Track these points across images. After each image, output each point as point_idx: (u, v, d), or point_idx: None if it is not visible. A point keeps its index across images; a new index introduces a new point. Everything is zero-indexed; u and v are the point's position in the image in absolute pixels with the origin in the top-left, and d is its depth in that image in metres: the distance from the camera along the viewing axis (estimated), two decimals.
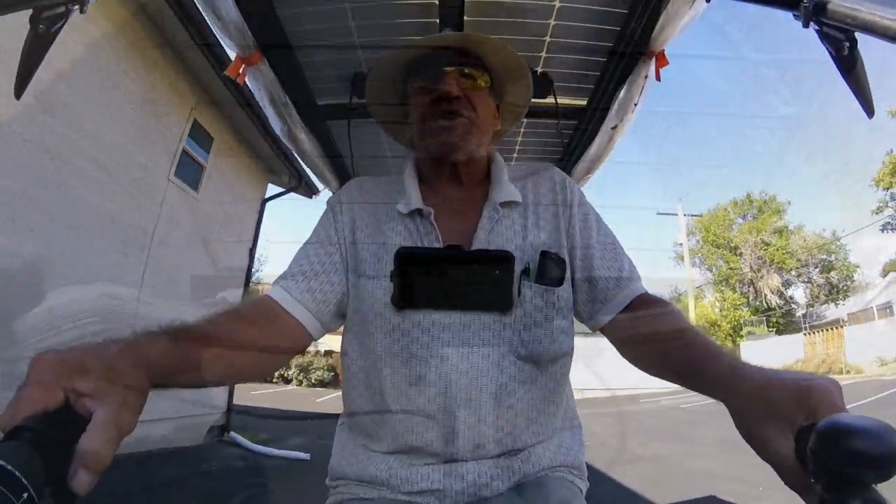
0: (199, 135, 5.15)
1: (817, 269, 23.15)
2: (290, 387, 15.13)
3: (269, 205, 6.83)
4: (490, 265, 0.73)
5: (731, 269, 24.30)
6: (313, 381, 16.29)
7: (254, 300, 0.79)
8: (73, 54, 3.53)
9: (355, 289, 0.79)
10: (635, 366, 0.74)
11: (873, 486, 0.38)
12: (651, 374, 0.72)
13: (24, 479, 0.35)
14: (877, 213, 16.18)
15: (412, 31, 1.13)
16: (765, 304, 23.29)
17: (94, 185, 3.89)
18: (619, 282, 0.77)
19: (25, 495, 0.35)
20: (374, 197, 0.86)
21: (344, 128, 1.39)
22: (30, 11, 0.61)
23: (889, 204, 15.26)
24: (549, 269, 0.76)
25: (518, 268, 0.74)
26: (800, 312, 23.25)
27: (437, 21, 1.09)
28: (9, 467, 0.35)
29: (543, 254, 0.76)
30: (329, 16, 1.09)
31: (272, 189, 6.93)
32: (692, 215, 24.73)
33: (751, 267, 23.69)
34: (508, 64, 0.86)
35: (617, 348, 0.76)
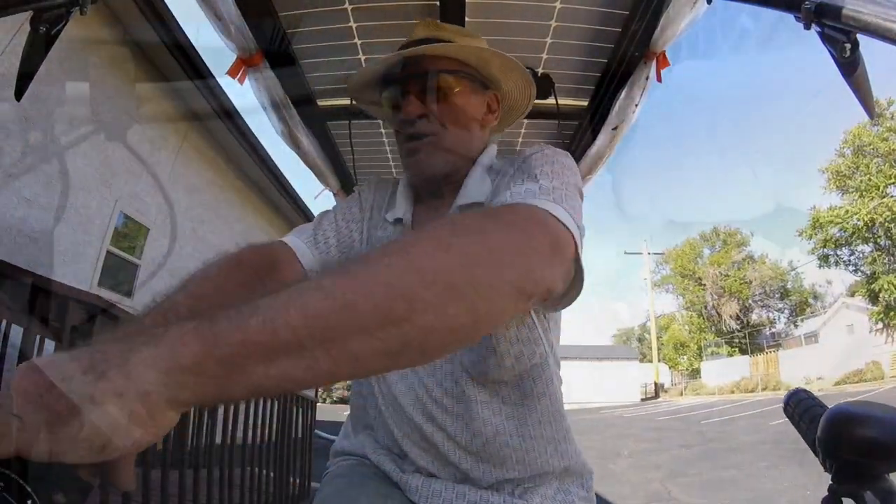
0: None
1: (777, 296, 27.54)
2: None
3: None
4: None
5: (696, 297, 28.44)
6: (335, 398, 21.52)
7: (265, 246, 0.73)
8: None
9: None
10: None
11: (886, 476, 0.36)
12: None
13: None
14: (812, 253, 20.56)
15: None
16: (725, 327, 27.22)
17: None
18: (512, 196, 0.59)
19: None
20: (383, 197, 0.85)
21: (344, 128, 1.39)
22: (30, 13, 0.61)
23: (815, 250, 19.95)
24: None
25: None
26: (768, 332, 26.87)
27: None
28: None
29: None
30: (330, 17, 1.08)
31: None
32: (656, 253, 29.82)
33: (712, 296, 27.55)
34: (487, 59, 0.78)
35: None
